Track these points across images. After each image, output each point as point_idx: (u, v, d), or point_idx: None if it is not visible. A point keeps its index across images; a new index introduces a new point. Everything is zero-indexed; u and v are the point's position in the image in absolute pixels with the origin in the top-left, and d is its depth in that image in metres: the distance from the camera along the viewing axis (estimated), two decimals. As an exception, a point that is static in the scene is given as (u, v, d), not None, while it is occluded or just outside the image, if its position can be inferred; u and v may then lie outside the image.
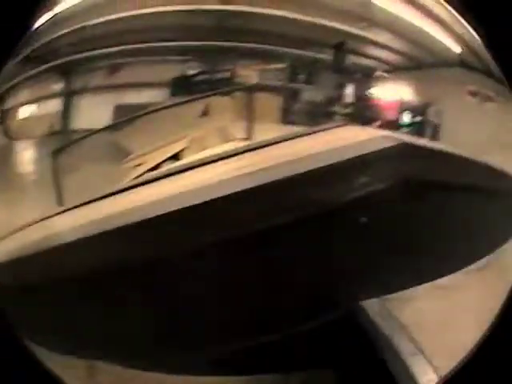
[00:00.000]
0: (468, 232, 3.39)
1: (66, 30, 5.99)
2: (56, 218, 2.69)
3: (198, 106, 7.91)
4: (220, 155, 3.20)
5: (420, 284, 2.99)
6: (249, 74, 8.71)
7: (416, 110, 9.02)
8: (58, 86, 7.57)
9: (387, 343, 2.49)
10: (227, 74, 8.57)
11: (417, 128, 8.85)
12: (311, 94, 9.19)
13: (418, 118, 8.83)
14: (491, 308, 2.94)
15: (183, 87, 8.21)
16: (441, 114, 8.35)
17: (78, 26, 6.39)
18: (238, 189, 2.36)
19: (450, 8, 6.84)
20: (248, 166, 2.76)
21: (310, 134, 3.33)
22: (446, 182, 2.93)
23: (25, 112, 6.98)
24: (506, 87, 6.67)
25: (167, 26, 7.24)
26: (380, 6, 7.27)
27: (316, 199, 2.38)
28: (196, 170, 2.97)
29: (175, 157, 5.52)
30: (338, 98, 9.59)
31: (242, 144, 4.07)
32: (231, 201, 2.32)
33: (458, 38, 7.34)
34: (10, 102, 6.88)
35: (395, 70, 8.99)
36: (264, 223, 2.32)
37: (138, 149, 6.55)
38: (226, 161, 3.06)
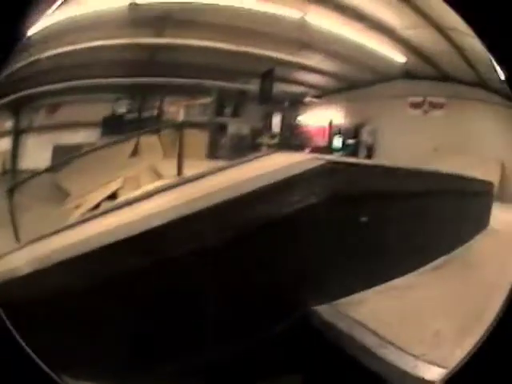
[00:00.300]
0: (416, 236, 3.48)
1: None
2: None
3: (128, 145, 7.90)
4: (155, 190, 3.24)
5: (370, 287, 3.02)
6: (176, 110, 8.76)
7: (348, 133, 9.16)
8: (8, 124, 7.64)
9: (350, 340, 2.49)
10: (155, 112, 8.59)
11: (351, 150, 8.97)
12: (238, 127, 9.29)
13: (351, 141, 8.97)
14: (459, 299, 3.00)
15: (113, 127, 8.20)
16: (375, 133, 8.49)
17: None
18: (179, 215, 2.36)
19: (407, 11, 6.77)
20: (183, 196, 2.80)
21: (240, 163, 3.38)
22: (379, 192, 3.00)
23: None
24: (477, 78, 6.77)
25: (102, 61, 7.26)
26: (314, 25, 7.29)
27: (253, 217, 2.40)
28: (134, 204, 2.99)
29: (112, 196, 5.56)
30: (265, 129, 9.71)
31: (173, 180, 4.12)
32: (173, 225, 2.33)
33: (405, 46, 7.39)
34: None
35: (326, 94, 9.12)
36: (213, 240, 2.34)
37: (76, 190, 6.63)
38: (161, 194, 3.09)
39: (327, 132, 10.26)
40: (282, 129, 10.75)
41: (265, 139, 10.39)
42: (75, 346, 2.24)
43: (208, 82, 8.41)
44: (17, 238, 4.85)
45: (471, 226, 4.74)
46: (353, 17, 6.98)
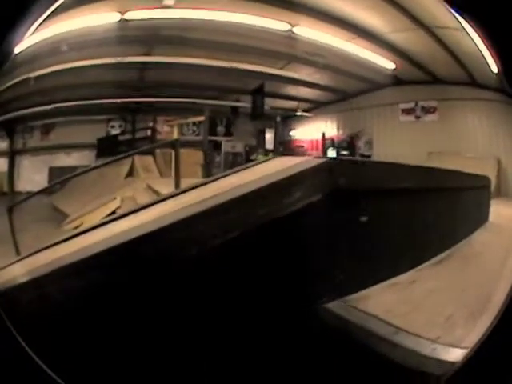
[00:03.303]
0: (417, 232, 3.50)
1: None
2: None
3: (124, 166, 7.93)
4: (153, 200, 3.25)
5: (374, 283, 3.03)
6: (169, 130, 8.81)
7: (341, 145, 9.19)
8: (3, 145, 7.78)
9: (363, 331, 2.49)
10: (148, 132, 8.65)
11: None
12: (232, 145, 9.33)
13: (345, 153, 8.99)
14: (464, 288, 3.03)
15: (108, 148, 8.25)
16: (370, 143, 8.51)
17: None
18: (187, 214, 2.38)
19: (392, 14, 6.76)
20: (183, 202, 2.81)
21: (239, 170, 3.40)
22: (379, 189, 3.02)
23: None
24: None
25: (93, 82, 7.32)
26: (302, 37, 7.31)
27: (254, 217, 2.42)
28: (134, 214, 3.00)
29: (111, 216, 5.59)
30: (258, 146, 9.75)
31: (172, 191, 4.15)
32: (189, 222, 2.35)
33: (394, 51, 7.41)
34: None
35: (317, 107, 9.17)
36: (215, 241, 2.35)
37: (73, 211, 6.70)
38: (159, 204, 3.11)
39: (320, 145, 10.31)
40: (275, 145, 10.82)
41: (259, 156, 10.43)
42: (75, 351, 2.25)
43: (200, 101, 8.47)
44: (18, 254, 4.93)
45: (471, 220, 4.77)
46: (339, 25, 7.02)
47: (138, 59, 7.32)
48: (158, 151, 8.40)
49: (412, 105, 8.29)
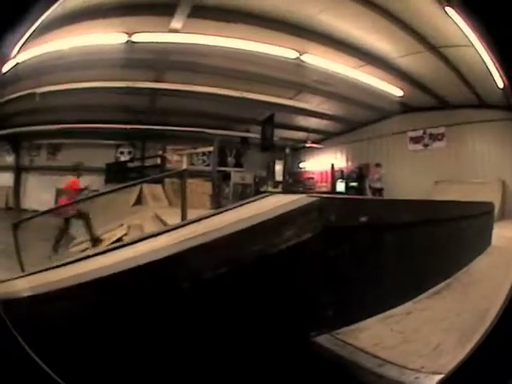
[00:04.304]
0: (413, 264, 3.50)
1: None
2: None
3: (132, 193, 8.00)
4: (151, 233, 3.34)
5: (368, 317, 3.04)
6: (179, 158, 8.86)
7: (351, 177, 9.19)
8: (10, 159, 7.88)
9: (351, 364, 2.51)
10: (158, 161, 8.70)
11: (354, 192, 8.96)
12: (241, 176, 9.35)
13: (354, 184, 9.00)
14: (458, 315, 3.03)
15: (117, 174, 8.33)
16: (379, 178, 8.48)
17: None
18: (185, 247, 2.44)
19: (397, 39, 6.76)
20: (180, 236, 2.88)
21: (237, 206, 3.48)
22: (371, 224, 3.05)
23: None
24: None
25: (100, 105, 7.37)
26: (311, 65, 7.32)
27: (247, 253, 2.46)
28: (134, 244, 3.09)
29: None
30: (268, 177, 9.77)
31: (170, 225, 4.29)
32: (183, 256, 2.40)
33: (401, 76, 7.41)
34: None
35: (326, 138, 9.19)
36: (209, 274, 2.40)
37: (80, 234, 6.76)
38: (167, 233, 3.19)
39: (330, 176, 10.33)
40: (284, 176, 10.85)
41: (268, 187, 10.45)
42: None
43: (209, 130, 8.50)
44: (22, 270, 4.97)
45: (473, 248, 4.74)
46: (347, 51, 7.04)
47: (146, 85, 7.47)
48: (167, 180, 8.45)
49: (420, 133, 8.30)
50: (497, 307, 2.14)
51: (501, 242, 5.18)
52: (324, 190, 9.32)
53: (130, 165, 8.51)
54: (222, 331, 2.40)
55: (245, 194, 9.31)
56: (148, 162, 8.76)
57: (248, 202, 3.53)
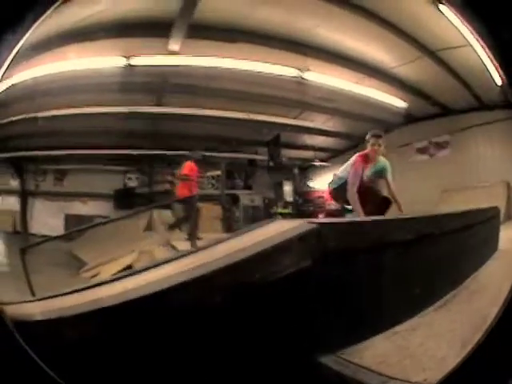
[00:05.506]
0: (416, 281, 3.51)
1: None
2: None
3: (142, 219, 8.05)
4: (171, 257, 3.46)
5: (372, 336, 3.05)
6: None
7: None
8: (15, 183, 7.94)
9: (356, 381, 2.53)
10: (167, 186, 8.73)
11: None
12: (250, 198, 9.36)
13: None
14: (462, 326, 3.04)
15: (125, 200, 8.37)
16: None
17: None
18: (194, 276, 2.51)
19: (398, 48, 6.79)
20: (183, 265, 2.99)
21: (241, 234, 3.59)
22: (370, 245, 3.09)
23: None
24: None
25: (103, 130, 7.39)
26: (312, 81, 7.33)
27: (247, 282, 2.51)
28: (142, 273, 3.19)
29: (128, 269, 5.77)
30: (277, 198, 9.77)
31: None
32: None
33: (402, 85, 7.42)
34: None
35: (334, 156, 9.19)
36: (211, 303, 2.45)
37: (90, 260, 6.83)
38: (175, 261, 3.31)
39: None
40: (293, 197, 10.84)
41: (278, 209, 10.48)
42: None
43: (216, 154, 8.54)
44: (32, 294, 5.01)
45: (479, 255, 4.71)
46: (347, 65, 7.08)
47: (148, 109, 7.59)
48: (176, 205, 8.49)
49: (425, 143, 8.43)
50: (497, 307, 2.16)
51: (508, 245, 5.17)
52: (333, 208, 9.30)
53: (139, 191, 8.56)
54: (227, 355, 2.43)
55: (255, 217, 9.31)
56: (156, 188, 8.81)
57: (252, 229, 3.62)
